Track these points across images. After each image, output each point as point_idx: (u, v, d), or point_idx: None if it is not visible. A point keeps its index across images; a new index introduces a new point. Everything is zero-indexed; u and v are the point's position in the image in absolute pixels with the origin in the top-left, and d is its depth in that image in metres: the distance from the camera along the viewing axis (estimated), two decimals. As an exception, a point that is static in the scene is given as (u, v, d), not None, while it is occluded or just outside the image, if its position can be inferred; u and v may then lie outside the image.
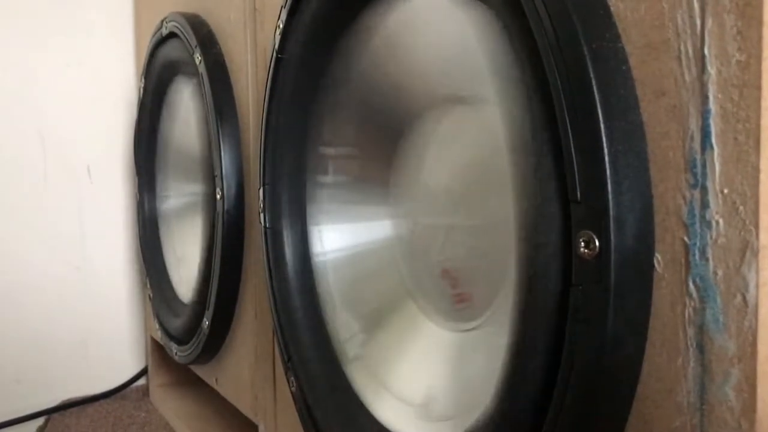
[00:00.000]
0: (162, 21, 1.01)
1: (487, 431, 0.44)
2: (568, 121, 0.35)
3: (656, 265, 0.35)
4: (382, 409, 0.58)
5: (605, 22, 0.36)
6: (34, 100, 1.24)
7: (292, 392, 0.68)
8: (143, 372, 1.35)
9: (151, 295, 1.13)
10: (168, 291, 1.08)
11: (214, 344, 0.94)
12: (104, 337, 1.32)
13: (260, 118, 0.74)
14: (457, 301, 0.57)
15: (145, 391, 1.32)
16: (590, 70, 0.35)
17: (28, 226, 1.24)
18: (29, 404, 1.23)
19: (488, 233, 0.53)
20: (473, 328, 0.55)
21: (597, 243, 0.35)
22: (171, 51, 0.99)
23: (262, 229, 0.72)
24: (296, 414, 0.70)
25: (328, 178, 0.66)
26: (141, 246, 1.16)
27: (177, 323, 1.00)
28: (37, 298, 1.25)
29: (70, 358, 1.29)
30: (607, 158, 0.34)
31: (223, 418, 1.13)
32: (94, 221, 1.29)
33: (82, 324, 1.29)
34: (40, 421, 1.23)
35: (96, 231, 1.30)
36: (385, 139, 0.62)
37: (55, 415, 1.23)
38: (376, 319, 0.64)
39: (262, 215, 0.72)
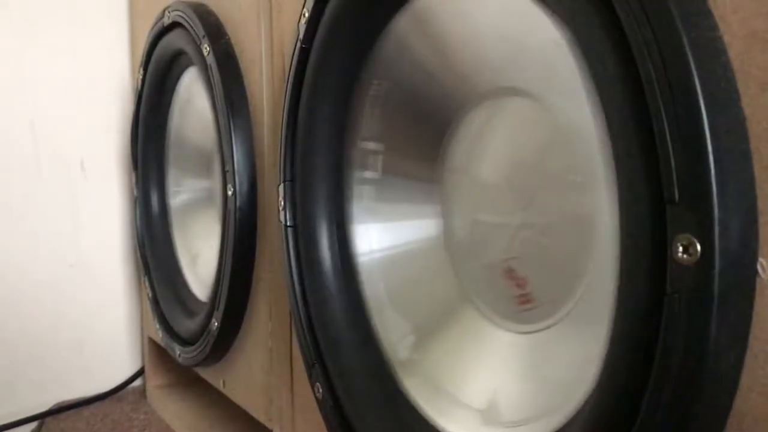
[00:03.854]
0: (164, 10, 0.97)
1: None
2: (665, 116, 0.33)
3: (760, 271, 0.33)
4: (441, 416, 0.55)
5: (701, 9, 0.34)
6: (25, 92, 1.19)
7: (317, 399, 0.66)
8: (140, 373, 1.31)
9: (151, 294, 1.09)
10: (181, 290, 1.04)
11: (222, 346, 0.90)
12: (99, 336, 1.28)
13: (279, 111, 0.71)
14: (521, 302, 0.55)
15: (142, 392, 1.29)
16: (691, 61, 0.32)
17: (19, 222, 1.19)
18: (22, 408, 1.19)
19: (560, 231, 0.51)
20: (542, 329, 0.53)
21: (698, 248, 0.32)
22: (175, 41, 0.95)
23: (283, 227, 0.69)
24: (316, 419, 0.67)
25: (373, 174, 0.63)
26: (139, 243, 1.12)
27: (190, 323, 0.97)
28: (30, 297, 1.21)
29: (64, 358, 1.24)
30: (711, 156, 0.32)
31: (227, 419, 1.10)
32: (88, 217, 1.25)
33: (76, 323, 1.25)
34: (34, 425, 1.19)
35: (90, 227, 1.25)
36: (430, 133, 0.60)
37: (50, 419, 1.19)
38: (429, 320, 0.62)
39: (282, 213, 0.69)
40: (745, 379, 0.34)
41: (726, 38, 0.33)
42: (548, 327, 0.53)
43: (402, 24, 0.57)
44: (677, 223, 0.33)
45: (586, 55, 0.38)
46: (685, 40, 0.32)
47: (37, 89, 1.20)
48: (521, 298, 0.56)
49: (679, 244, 0.33)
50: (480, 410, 0.55)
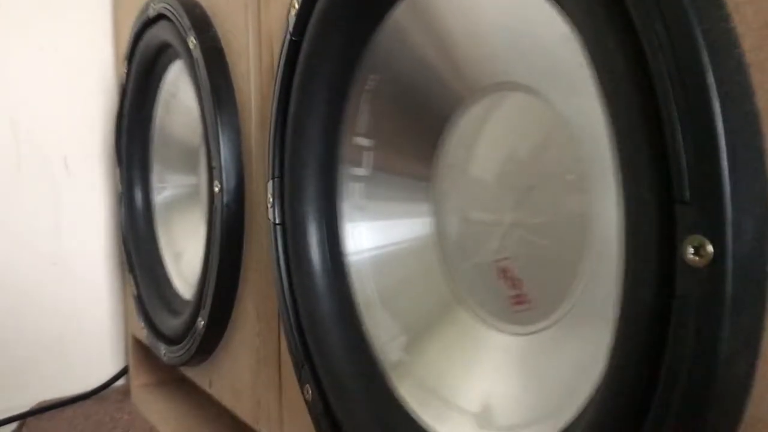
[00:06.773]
0: (148, 2, 0.95)
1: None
2: (675, 111, 0.31)
3: (773, 273, 0.31)
4: (434, 419, 0.54)
5: None
6: (6, 87, 1.16)
7: (307, 401, 0.64)
8: (123, 371, 1.29)
9: (136, 292, 1.07)
10: (165, 288, 1.02)
11: (208, 345, 0.88)
12: (82, 335, 1.25)
13: (267, 105, 0.69)
14: (515, 303, 0.53)
15: (126, 391, 1.26)
16: (704, 54, 0.31)
17: (1, 220, 1.17)
18: (2, 407, 1.16)
19: (557, 231, 0.49)
20: (536, 331, 0.51)
21: (710, 249, 0.31)
22: (160, 34, 0.93)
23: (271, 224, 0.67)
24: (304, 422, 0.65)
25: (363, 171, 0.61)
26: (124, 241, 1.10)
27: (175, 322, 0.95)
28: (11, 295, 1.18)
29: (46, 357, 1.22)
30: (725, 153, 0.30)
31: (214, 420, 1.08)
32: (71, 215, 1.23)
33: (59, 322, 1.23)
34: (15, 425, 1.16)
35: (73, 225, 1.23)
36: (426, 129, 0.58)
37: (31, 419, 1.16)
38: (421, 320, 0.60)
39: (271, 210, 0.67)
40: (758, 385, 0.32)
41: (739, 30, 0.32)
42: (544, 329, 0.52)
43: (400, 16, 0.56)
44: (688, 224, 0.31)
45: (593, 48, 0.36)
46: (697, 32, 0.31)
47: (17, 84, 1.17)
48: (516, 299, 0.54)
49: (689, 246, 0.31)
50: (474, 414, 0.53)
